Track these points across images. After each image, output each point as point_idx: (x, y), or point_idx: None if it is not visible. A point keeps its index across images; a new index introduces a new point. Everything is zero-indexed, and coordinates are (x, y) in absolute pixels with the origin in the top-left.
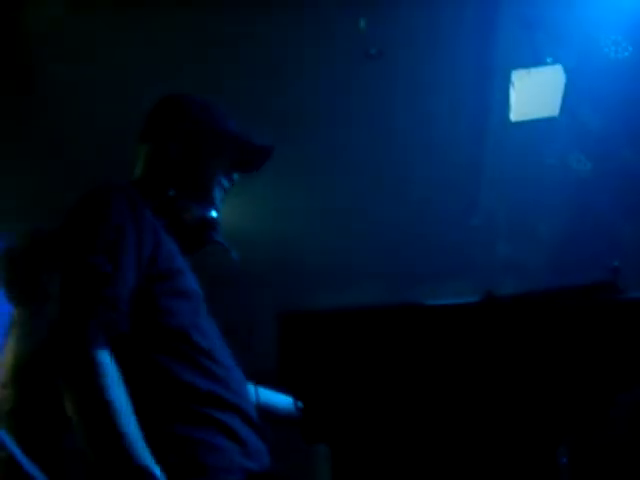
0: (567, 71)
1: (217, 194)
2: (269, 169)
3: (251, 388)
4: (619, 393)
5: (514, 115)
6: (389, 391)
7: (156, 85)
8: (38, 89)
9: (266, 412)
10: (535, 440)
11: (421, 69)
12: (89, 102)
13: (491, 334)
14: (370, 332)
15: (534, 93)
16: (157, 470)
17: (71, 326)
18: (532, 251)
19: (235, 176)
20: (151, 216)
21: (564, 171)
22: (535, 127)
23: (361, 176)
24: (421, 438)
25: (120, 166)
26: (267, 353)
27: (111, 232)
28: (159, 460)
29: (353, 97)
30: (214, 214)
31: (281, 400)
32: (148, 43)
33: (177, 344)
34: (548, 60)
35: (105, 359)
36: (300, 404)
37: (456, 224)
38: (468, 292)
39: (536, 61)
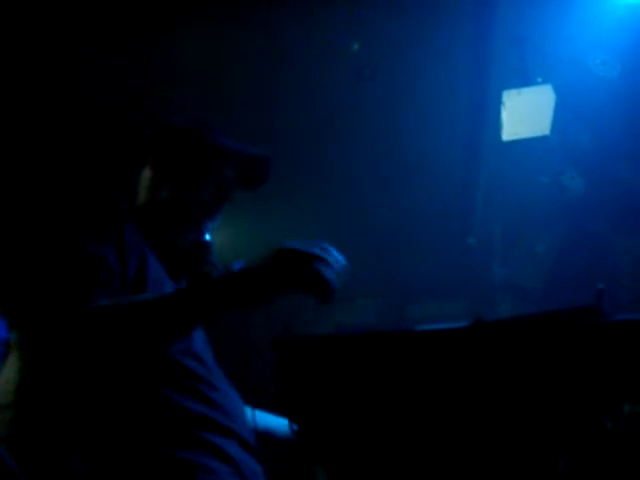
0: (557, 90)
1: (210, 216)
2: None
3: (248, 411)
4: (609, 409)
5: (506, 135)
6: (383, 415)
7: None
8: None
9: (264, 435)
10: (532, 458)
11: (414, 89)
12: None
13: (480, 358)
14: (362, 357)
15: (525, 113)
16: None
17: (62, 300)
18: (528, 269)
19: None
20: (139, 241)
21: (558, 189)
22: (528, 146)
23: (355, 196)
24: (417, 461)
25: None
26: (266, 374)
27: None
28: None
29: (347, 117)
30: (207, 237)
31: (279, 423)
32: None
33: (170, 371)
34: (538, 80)
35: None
36: (295, 427)
37: (452, 243)
38: (464, 311)
39: (526, 81)
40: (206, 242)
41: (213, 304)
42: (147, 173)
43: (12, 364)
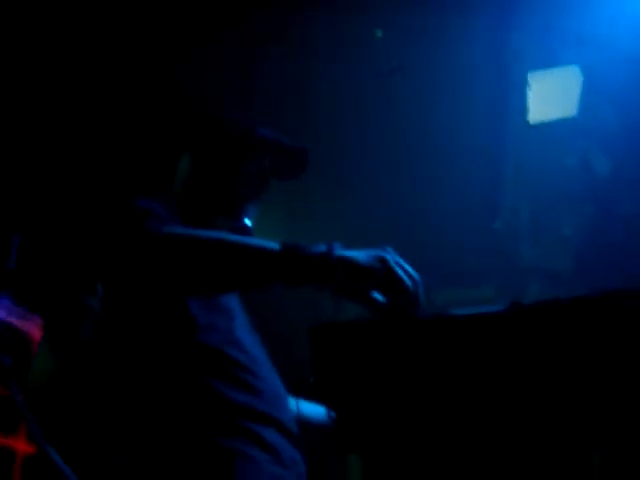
0: (583, 71)
1: (249, 204)
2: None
3: (292, 400)
4: None
5: (532, 117)
6: (421, 401)
7: None
8: None
9: (306, 424)
10: (567, 446)
11: (437, 74)
12: None
13: (518, 343)
14: (400, 343)
15: (551, 94)
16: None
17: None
18: (556, 252)
19: (267, 186)
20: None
21: (586, 171)
22: (554, 128)
23: (381, 184)
24: (453, 447)
25: None
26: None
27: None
28: (193, 469)
29: (371, 105)
30: (247, 223)
31: (321, 412)
32: None
33: (213, 360)
34: (564, 61)
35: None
36: (333, 414)
37: (479, 228)
38: (493, 295)
39: (552, 62)
40: (246, 227)
41: (298, 273)
42: (188, 160)
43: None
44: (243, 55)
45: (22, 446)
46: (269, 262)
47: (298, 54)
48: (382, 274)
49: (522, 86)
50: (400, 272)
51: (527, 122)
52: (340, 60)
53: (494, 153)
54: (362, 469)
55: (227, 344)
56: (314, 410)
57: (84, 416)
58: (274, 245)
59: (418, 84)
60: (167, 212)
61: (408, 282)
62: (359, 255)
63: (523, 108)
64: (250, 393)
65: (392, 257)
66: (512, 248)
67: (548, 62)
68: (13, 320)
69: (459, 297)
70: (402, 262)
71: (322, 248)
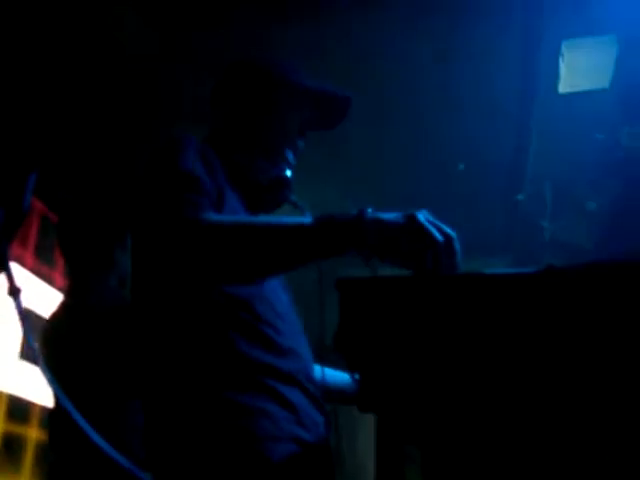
0: (620, 41)
1: (290, 153)
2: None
3: (317, 369)
4: None
5: (563, 87)
6: (446, 361)
7: None
8: None
9: (331, 392)
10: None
11: (467, 35)
12: None
13: (552, 306)
14: (430, 301)
15: (584, 64)
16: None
17: (169, 215)
18: (578, 228)
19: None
20: (219, 169)
21: (615, 145)
22: (585, 100)
23: (402, 148)
24: (481, 412)
25: None
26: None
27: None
28: (210, 425)
29: (395, 68)
30: (288, 173)
31: (346, 379)
32: None
33: (240, 313)
34: (600, 30)
35: (209, 215)
36: (357, 376)
37: (502, 199)
38: (512, 266)
39: (587, 31)
40: (287, 178)
41: (334, 245)
42: (228, 104)
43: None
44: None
45: (34, 433)
46: (308, 243)
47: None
48: (413, 231)
49: (555, 54)
50: (431, 228)
51: (557, 92)
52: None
53: (520, 122)
54: (377, 428)
55: (256, 298)
56: (340, 377)
57: (102, 366)
58: (307, 221)
59: (443, 47)
60: (210, 166)
61: (439, 238)
62: (390, 215)
63: (554, 77)
64: (274, 351)
65: (424, 215)
66: (534, 220)
67: (584, 31)
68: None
69: (475, 266)
70: (436, 221)
71: (353, 213)
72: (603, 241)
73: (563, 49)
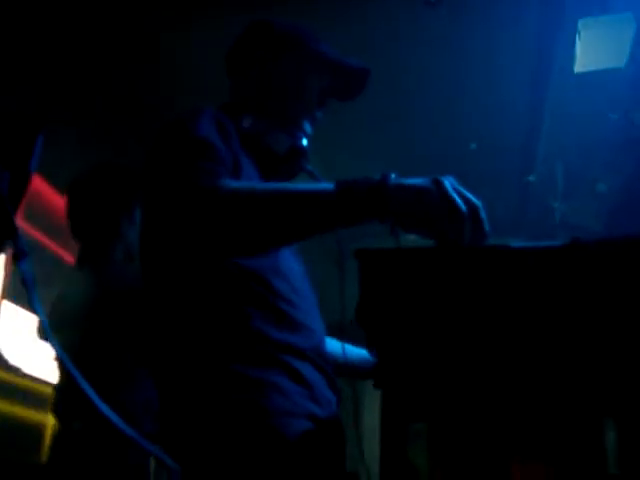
0: (637, 20)
1: (307, 122)
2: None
3: (338, 345)
4: None
5: (578, 66)
6: (468, 336)
7: None
8: None
9: (351, 368)
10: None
11: (482, 15)
12: None
13: (577, 280)
14: (452, 273)
15: (601, 43)
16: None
17: (183, 184)
18: (589, 210)
19: (328, 102)
20: (235, 136)
21: (628, 128)
22: (599, 79)
23: (414, 127)
24: (497, 385)
25: None
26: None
27: (201, 144)
28: (223, 399)
29: (412, 44)
30: (305, 142)
31: (366, 356)
32: None
33: (254, 286)
34: (617, 8)
35: (226, 183)
36: (375, 349)
37: (513, 179)
38: None
39: (604, 9)
40: (303, 147)
41: (357, 212)
42: (245, 68)
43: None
44: None
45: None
46: (328, 211)
47: None
48: (437, 197)
49: (572, 33)
50: (455, 196)
51: (572, 70)
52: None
53: (534, 101)
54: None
55: (270, 270)
56: (361, 354)
57: (114, 342)
58: (329, 187)
59: (458, 25)
60: (226, 133)
61: (463, 207)
62: (416, 181)
63: (570, 56)
64: (288, 326)
65: (450, 182)
66: (544, 201)
67: (601, 9)
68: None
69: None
70: (462, 189)
71: (376, 178)
72: (612, 223)
73: (580, 27)
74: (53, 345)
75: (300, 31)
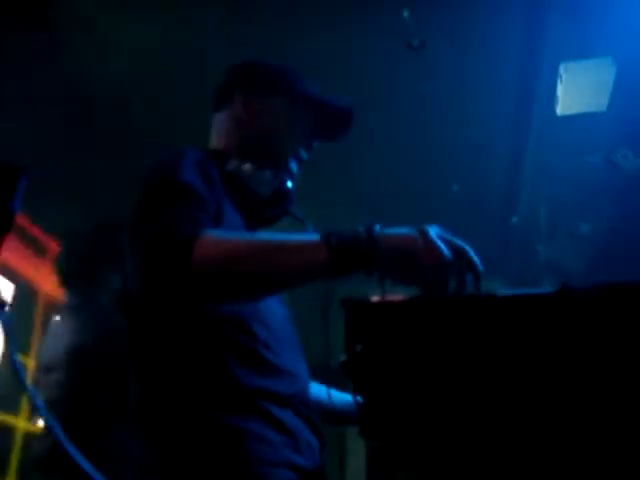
0: (617, 63)
1: (293, 163)
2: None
3: (323, 389)
4: None
5: (561, 109)
6: (456, 387)
7: None
8: None
9: (336, 413)
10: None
11: (464, 59)
12: None
13: (567, 327)
14: (441, 323)
15: (583, 86)
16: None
17: (165, 236)
18: (572, 252)
19: (313, 144)
20: (218, 181)
21: (610, 170)
22: (580, 122)
23: (397, 167)
24: (489, 437)
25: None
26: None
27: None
28: (203, 449)
29: (394, 87)
30: (290, 184)
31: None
32: None
33: (234, 334)
34: (598, 52)
35: (208, 232)
36: (359, 399)
37: (495, 222)
38: (506, 288)
39: (585, 53)
40: (288, 190)
41: (344, 265)
42: (231, 111)
43: (64, 326)
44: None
45: (22, 424)
46: (314, 263)
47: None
48: (422, 245)
49: (553, 76)
50: (440, 243)
51: (554, 114)
52: (371, 30)
53: (517, 145)
54: (383, 456)
55: (251, 317)
56: (345, 398)
57: (94, 392)
58: (314, 239)
59: (442, 69)
60: (209, 179)
61: (447, 253)
62: (401, 231)
63: (551, 99)
64: (269, 373)
65: (435, 230)
66: (528, 243)
67: (581, 53)
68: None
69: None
70: (447, 236)
71: (361, 231)
72: (597, 265)
73: (561, 71)
74: (33, 397)
75: (285, 71)
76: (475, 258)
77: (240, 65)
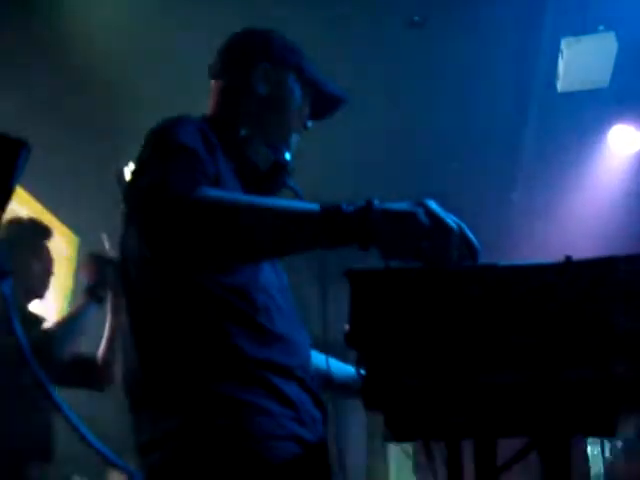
0: (619, 39)
1: (293, 137)
2: None
3: (322, 358)
4: None
5: (561, 85)
6: (459, 356)
7: None
8: None
9: (334, 382)
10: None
11: (465, 36)
12: None
13: (568, 298)
14: (444, 293)
15: (584, 62)
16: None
17: (160, 188)
18: (571, 231)
19: (309, 123)
20: (219, 149)
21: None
22: (580, 97)
23: (396, 144)
24: (488, 405)
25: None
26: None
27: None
28: (206, 421)
29: (395, 64)
30: (288, 157)
31: (350, 371)
32: None
33: (236, 303)
34: (600, 27)
35: (206, 189)
36: (362, 370)
37: (495, 198)
38: None
39: (586, 29)
40: (286, 162)
41: (341, 234)
42: (245, 79)
43: None
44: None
45: None
46: (312, 230)
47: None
48: (424, 217)
49: (554, 52)
50: (443, 214)
51: (555, 91)
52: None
53: (517, 121)
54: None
55: (252, 286)
56: (344, 369)
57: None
58: (314, 207)
59: (442, 47)
60: (210, 145)
61: (451, 223)
62: (400, 205)
63: (553, 75)
64: (271, 343)
65: (433, 204)
66: (527, 223)
67: (583, 28)
68: None
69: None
70: (442, 211)
71: (361, 204)
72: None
73: (563, 46)
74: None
75: (296, 48)
76: (471, 235)
77: (257, 33)
